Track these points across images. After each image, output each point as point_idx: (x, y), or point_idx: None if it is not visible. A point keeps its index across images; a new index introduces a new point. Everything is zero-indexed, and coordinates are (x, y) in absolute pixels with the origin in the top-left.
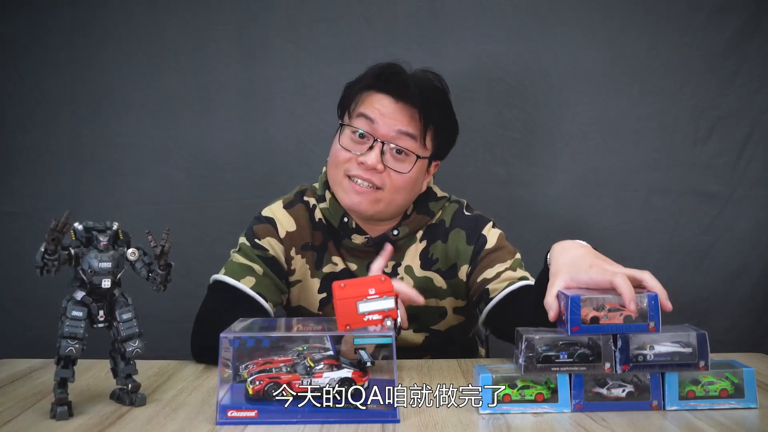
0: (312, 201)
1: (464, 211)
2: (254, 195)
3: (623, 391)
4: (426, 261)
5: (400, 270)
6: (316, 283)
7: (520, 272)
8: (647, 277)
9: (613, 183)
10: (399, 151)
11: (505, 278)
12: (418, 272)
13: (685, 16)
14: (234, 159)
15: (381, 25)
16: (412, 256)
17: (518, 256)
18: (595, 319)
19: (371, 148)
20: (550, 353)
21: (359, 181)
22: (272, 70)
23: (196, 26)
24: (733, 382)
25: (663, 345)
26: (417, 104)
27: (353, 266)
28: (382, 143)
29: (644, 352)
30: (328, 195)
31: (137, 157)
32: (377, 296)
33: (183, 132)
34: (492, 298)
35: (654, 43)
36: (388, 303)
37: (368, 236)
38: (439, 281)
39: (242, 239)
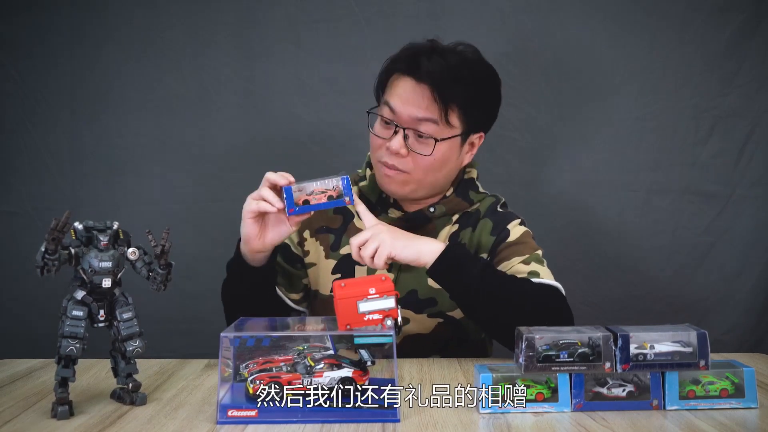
0: None
1: (498, 206)
2: None
3: (623, 390)
4: None
5: None
6: (330, 264)
7: (533, 266)
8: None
9: (613, 183)
10: (420, 135)
11: (513, 272)
12: None
13: (685, 16)
14: (234, 159)
15: (381, 25)
16: (444, 237)
17: (539, 252)
18: (306, 202)
19: (396, 133)
20: (550, 352)
21: (387, 165)
22: (272, 70)
23: (196, 26)
24: (734, 382)
25: (663, 344)
26: (434, 85)
27: None
28: (404, 129)
29: (644, 351)
30: (368, 173)
31: (137, 157)
32: (377, 296)
33: (183, 132)
34: None
35: (654, 43)
36: (389, 302)
37: (405, 212)
38: None
39: None
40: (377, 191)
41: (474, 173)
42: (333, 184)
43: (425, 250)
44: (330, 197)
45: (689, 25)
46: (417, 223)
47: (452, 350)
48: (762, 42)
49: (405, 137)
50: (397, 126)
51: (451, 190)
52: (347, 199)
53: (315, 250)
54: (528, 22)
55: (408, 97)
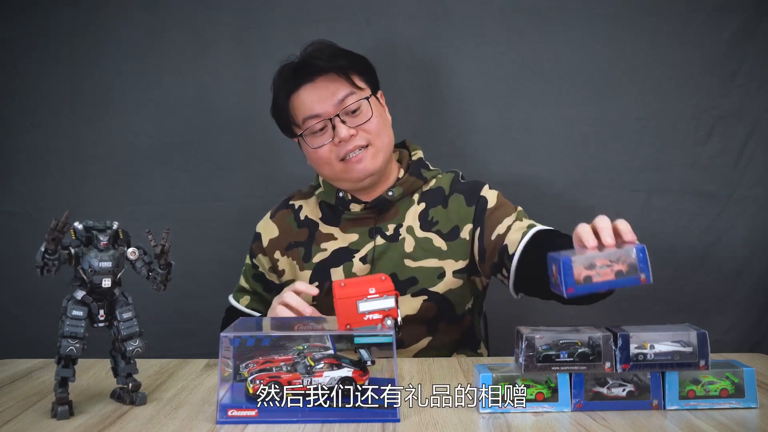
0: (298, 203)
1: (459, 179)
2: (254, 195)
3: (623, 390)
4: (426, 222)
5: (402, 231)
6: (306, 274)
7: (527, 221)
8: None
9: (613, 183)
10: (353, 111)
11: (516, 228)
12: (419, 233)
13: (685, 16)
14: (234, 159)
15: (381, 25)
16: (413, 218)
17: (520, 208)
18: (588, 278)
19: (334, 127)
20: (550, 352)
21: (351, 154)
22: (272, 70)
23: (196, 26)
24: (734, 382)
25: (663, 344)
26: (325, 68)
27: (354, 236)
28: (338, 117)
29: (644, 351)
30: (320, 179)
31: (137, 157)
32: (377, 295)
33: (183, 132)
34: (515, 253)
35: (654, 43)
36: (389, 302)
37: (365, 202)
38: (438, 242)
39: (246, 258)
40: (334, 191)
41: (420, 153)
42: (623, 255)
43: None
44: (618, 272)
45: (689, 25)
46: (381, 210)
47: (443, 330)
48: (762, 42)
49: (343, 122)
50: (330, 119)
51: (403, 171)
52: (643, 276)
53: (289, 266)
54: (528, 22)
55: (317, 95)
